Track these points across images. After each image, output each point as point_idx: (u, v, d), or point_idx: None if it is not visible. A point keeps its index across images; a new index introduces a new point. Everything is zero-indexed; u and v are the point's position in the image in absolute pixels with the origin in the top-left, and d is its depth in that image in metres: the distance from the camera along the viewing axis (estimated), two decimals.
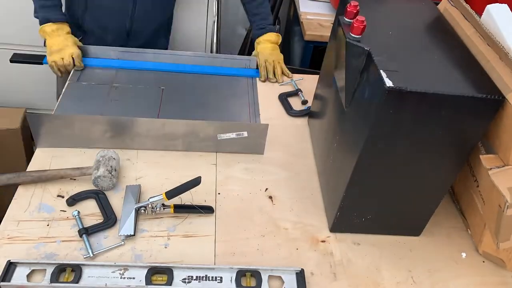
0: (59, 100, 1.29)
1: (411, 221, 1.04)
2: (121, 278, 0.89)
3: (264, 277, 0.92)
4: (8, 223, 0.97)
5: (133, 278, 0.89)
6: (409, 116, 0.80)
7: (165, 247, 0.96)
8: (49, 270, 0.89)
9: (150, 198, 1.00)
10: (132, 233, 0.96)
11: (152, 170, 1.13)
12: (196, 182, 1.00)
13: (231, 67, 1.51)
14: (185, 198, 1.05)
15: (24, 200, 1.02)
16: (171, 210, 1.02)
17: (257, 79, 1.48)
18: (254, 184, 1.14)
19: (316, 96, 1.28)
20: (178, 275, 0.90)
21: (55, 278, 0.87)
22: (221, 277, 0.91)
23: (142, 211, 1.00)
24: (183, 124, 1.15)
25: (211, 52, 2.00)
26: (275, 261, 0.97)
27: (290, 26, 2.20)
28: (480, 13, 0.96)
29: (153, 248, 0.96)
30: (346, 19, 0.93)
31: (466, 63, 0.87)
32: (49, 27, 1.37)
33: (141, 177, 1.11)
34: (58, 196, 1.04)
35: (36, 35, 1.42)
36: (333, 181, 1.05)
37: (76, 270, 0.89)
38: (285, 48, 2.31)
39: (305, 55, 1.87)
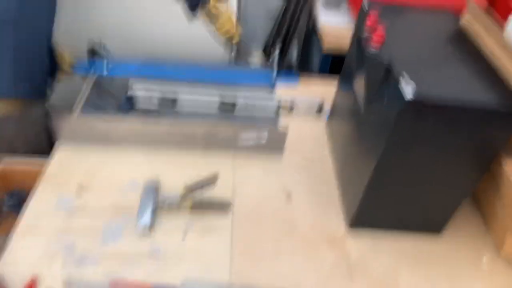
0: (80, 102, 1.31)
1: (429, 225, 1.04)
2: None
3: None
4: (29, 214, 1.00)
5: None
6: (429, 128, 0.81)
7: (182, 244, 0.98)
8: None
9: (168, 193, 1.02)
10: (149, 228, 0.99)
11: (170, 168, 1.16)
12: (213, 179, 1.02)
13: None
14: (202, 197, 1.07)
15: (45, 192, 1.05)
16: (189, 206, 1.04)
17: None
18: (271, 185, 1.15)
19: (334, 102, 1.29)
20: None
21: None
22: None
23: (160, 206, 1.03)
24: (203, 125, 1.17)
25: (231, 51, 2.01)
26: (291, 262, 0.98)
27: (309, 37, 2.23)
28: (503, 20, 0.97)
29: (169, 246, 0.97)
30: (365, 31, 0.94)
31: (488, 76, 0.87)
32: None
33: (159, 174, 1.14)
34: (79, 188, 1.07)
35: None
36: (351, 186, 1.06)
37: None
38: (304, 58, 2.33)
39: (323, 67, 1.88)
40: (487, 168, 0.90)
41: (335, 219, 1.09)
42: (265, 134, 1.18)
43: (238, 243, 1.00)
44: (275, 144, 1.21)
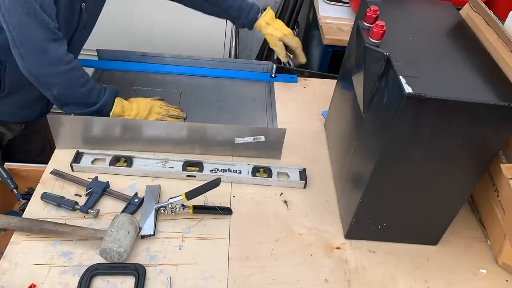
0: None
1: (428, 230, 1.02)
2: (163, 167, 1.11)
3: (274, 172, 1.15)
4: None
5: (172, 167, 1.12)
6: (428, 123, 0.79)
7: (180, 249, 0.97)
8: (108, 159, 1.13)
9: (170, 198, 1.01)
10: (152, 233, 0.98)
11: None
12: (215, 183, 1.01)
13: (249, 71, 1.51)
14: (201, 201, 1.05)
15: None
16: (190, 210, 1.02)
17: (275, 83, 1.48)
18: (269, 188, 1.14)
19: (333, 101, 1.28)
20: (207, 167, 1.13)
21: (113, 163, 1.13)
22: (240, 170, 1.14)
23: (162, 211, 1.02)
24: (201, 128, 1.16)
25: (230, 54, 2.01)
26: (289, 266, 0.97)
27: (309, 30, 2.20)
28: (503, 18, 0.95)
29: (168, 250, 0.97)
30: (365, 24, 0.93)
31: (488, 70, 0.85)
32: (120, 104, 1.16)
33: (158, 177, 1.12)
34: (76, 195, 1.06)
35: None
36: (349, 187, 1.04)
37: (128, 160, 1.13)
38: (304, 52, 2.30)
39: (323, 60, 1.86)
40: (485, 169, 0.88)
41: (333, 224, 1.07)
42: (262, 137, 1.16)
43: (235, 247, 0.99)
44: (273, 143, 1.19)
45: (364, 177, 0.92)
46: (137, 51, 1.50)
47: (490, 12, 0.96)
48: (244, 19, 1.36)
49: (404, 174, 0.89)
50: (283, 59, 1.39)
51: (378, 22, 0.85)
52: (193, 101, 1.38)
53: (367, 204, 0.95)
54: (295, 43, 1.38)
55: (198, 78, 1.47)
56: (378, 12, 0.92)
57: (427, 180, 0.90)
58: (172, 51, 1.59)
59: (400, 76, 0.77)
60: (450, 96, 0.75)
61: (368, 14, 0.92)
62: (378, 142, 0.86)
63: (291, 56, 1.41)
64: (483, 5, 0.98)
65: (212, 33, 1.95)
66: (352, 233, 1.02)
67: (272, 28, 1.36)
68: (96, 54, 1.48)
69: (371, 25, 0.89)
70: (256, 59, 2.36)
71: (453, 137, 0.81)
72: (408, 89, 0.74)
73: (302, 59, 1.41)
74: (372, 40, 0.86)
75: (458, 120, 0.78)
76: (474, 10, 1.01)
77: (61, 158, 1.14)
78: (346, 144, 1.08)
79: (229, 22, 1.92)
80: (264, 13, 1.36)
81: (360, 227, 1.01)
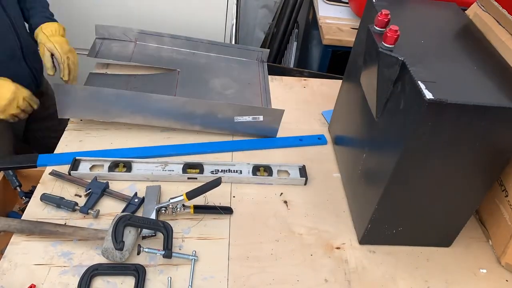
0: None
1: (443, 232, 0.99)
2: (163, 170, 1.07)
3: (274, 170, 1.11)
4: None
5: (172, 170, 1.07)
6: (447, 129, 0.76)
7: (180, 249, 0.94)
8: (106, 164, 1.08)
9: (171, 198, 0.98)
10: (154, 234, 0.95)
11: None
12: (216, 182, 0.98)
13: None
14: (201, 202, 1.03)
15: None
16: (191, 210, 1.00)
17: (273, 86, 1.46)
18: (269, 188, 1.12)
19: (338, 103, 1.23)
20: (207, 169, 1.09)
21: (112, 169, 1.07)
22: (240, 170, 1.10)
23: (163, 211, 0.98)
24: (204, 104, 1.14)
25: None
26: (289, 266, 0.94)
27: (309, 30, 2.17)
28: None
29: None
30: (377, 28, 0.88)
31: (502, 72, 0.82)
32: None
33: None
34: (76, 195, 1.03)
35: None
36: (363, 193, 0.99)
37: (127, 165, 1.08)
38: (303, 52, 2.29)
39: (323, 60, 1.83)
40: (501, 171, 0.84)
41: (334, 224, 1.04)
42: (260, 117, 1.16)
43: (235, 247, 0.96)
44: (270, 124, 1.19)
45: (380, 183, 0.87)
46: (135, 28, 1.45)
47: (504, 11, 0.91)
48: (34, 18, 1.30)
49: (422, 178, 0.85)
50: (49, 71, 1.27)
51: (392, 27, 0.80)
52: (189, 80, 1.36)
53: (383, 210, 0.91)
54: (59, 57, 1.26)
55: (194, 56, 1.45)
56: (389, 16, 0.87)
57: (444, 183, 0.86)
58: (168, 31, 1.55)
59: (419, 82, 0.73)
60: (469, 101, 0.71)
61: (379, 18, 0.87)
62: (395, 148, 0.81)
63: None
64: (496, 4, 0.93)
65: (212, 32, 1.93)
66: (366, 238, 0.98)
67: (46, 38, 1.26)
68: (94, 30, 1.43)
69: (383, 30, 0.85)
70: None
71: (471, 140, 0.78)
72: (428, 94, 0.70)
73: (64, 76, 1.28)
74: (385, 44, 0.82)
75: (476, 124, 0.75)
76: (483, 10, 0.96)
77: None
78: (357, 149, 1.04)
79: (228, 19, 1.90)
80: (48, 24, 1.29)
81: (375, 232, 0.96)
